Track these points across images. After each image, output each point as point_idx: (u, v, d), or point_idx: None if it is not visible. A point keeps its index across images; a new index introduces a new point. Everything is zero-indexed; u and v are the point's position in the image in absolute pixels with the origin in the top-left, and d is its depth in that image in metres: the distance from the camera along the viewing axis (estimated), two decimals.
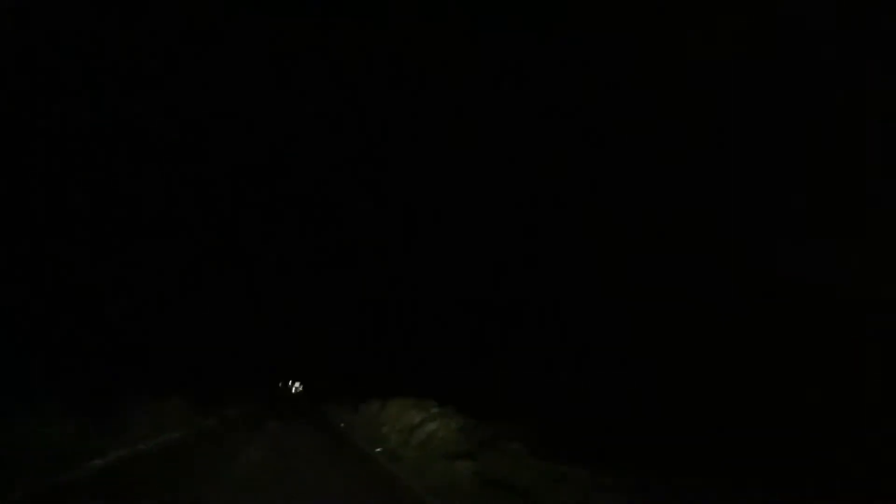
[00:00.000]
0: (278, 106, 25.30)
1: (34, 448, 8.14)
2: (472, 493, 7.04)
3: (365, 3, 15.38)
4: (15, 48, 15.08)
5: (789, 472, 6.29)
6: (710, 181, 10.55)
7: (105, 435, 10.41)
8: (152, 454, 10.17)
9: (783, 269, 9.04)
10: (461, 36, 14.62)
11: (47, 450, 8.16)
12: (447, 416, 11.93)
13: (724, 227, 10.19)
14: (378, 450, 12.16)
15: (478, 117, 17.40)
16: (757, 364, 8.99)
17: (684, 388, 9.61)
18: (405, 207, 24.11)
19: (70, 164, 18.23)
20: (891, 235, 7.62)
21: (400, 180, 23.60)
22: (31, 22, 15.25)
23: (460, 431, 10.71)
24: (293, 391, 67.23)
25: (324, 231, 32.98)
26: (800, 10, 8.59)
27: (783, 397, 8.23)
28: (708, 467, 6.67)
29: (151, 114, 21.64)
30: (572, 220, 14.34)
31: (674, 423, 8.87)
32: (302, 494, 6.79)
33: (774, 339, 8.93)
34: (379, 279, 27.50)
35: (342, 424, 19.38)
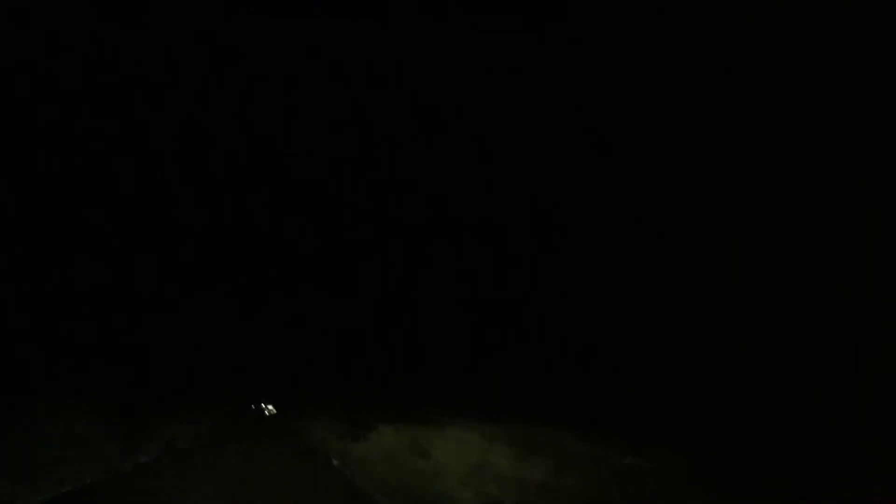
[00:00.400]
0: (277, 105, 25.32)
1: None
2: None
3: (365, 2, 15.39)
4: (15, 49, 15.09)
5: (790, 472, 6.29)
6: (710, 181, 10.55)
7: None
8: None
9: (783, 268, 9.04)
10: (461, 35, 14.63)
11: None
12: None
13: (725, 227, 10.20)
14: None
15: (477, 117, 17.41)
16: (756, 364, 8.99)
17: (684, 388, 9.61)
18: (406, 207, 24.10)
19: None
20: (890, 235, 7.62)
21: (400, 180, 23.61)
22: (30, 22, 15.25)
23: None
24: (266, 410, 56.35)
25: (322, 229, 32.89)
26: (800, 10, 8.60)
27: (783, 397, 8.23)
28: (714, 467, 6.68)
29: (151, 114, 21.63)
30: (572, 220, 14.35)
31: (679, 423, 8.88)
32: None
33: (774, 339, 8.93)
34: (370, 279, 27.15)
35: (335, 462, 13.34)
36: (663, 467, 7.17)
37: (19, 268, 17.95)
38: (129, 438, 14.45)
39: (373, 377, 24.86)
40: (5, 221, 17.54)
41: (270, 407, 54.01)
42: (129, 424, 15.70)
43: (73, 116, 19.09)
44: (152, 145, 23.00)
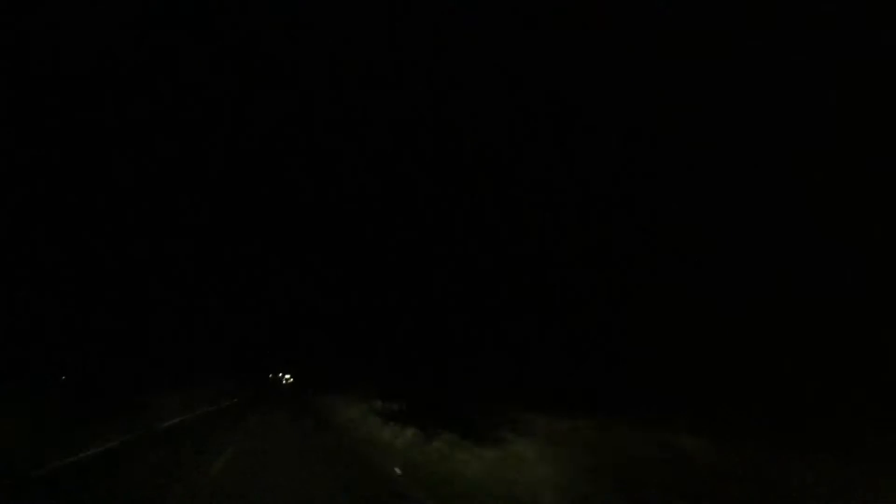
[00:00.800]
0: (276, 108, 25.33)
1: None
2: None
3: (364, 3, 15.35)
4: (16, 49, 15.15)
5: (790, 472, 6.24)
6: (711, 182, 10.48)
7: None
8: None
9: (783, 270, 8.98)
10: (459, 35, 14.58)
11: None
12: None
13: (725, 227, 10.13)
14: None
15: (477, 116, 17.35)
16: (756, 365, 8.94)
17: (683, 387, 9.57)
18: (410, 206, 24.01)
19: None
20: (891, 236, 7.55)
21: (405, 178, 23.54)
22: (30, 22, 15.31)
23: None
24: (284, 381, 45.27)
25: (327, 230, 32.79)
26: (799, 10, 8.51)
27: (783, 397, 8.18)
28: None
29: (157, 118, 21.72)
30: (572, 220, 14.27)
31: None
32: None
33: (775, 339, 8.87)
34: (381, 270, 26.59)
35: (398, 471, 8.14)
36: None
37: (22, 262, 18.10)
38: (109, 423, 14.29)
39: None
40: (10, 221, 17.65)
41: (289, 375, 47.39)
42: (102, 407, 15.58)
43: (80, 120, 19.22)
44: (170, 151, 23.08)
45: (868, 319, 7.99)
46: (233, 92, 23.85)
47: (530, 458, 6.95)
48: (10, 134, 16.49)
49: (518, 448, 7.27)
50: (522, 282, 15.97)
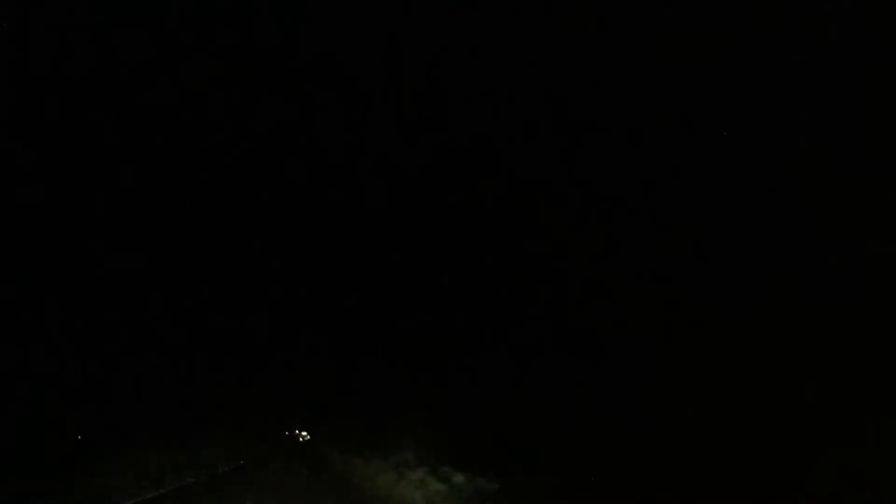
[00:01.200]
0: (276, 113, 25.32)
1: None
2: None
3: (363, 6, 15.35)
4: (16, 49, 15.14)
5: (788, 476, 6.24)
6: (710, 182, 10.48)
7: None
8: None
9: (783, 270, 8.97)
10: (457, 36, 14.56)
11: None
12: None
13: (725, 227, 10.13)
14: None
15: (477, 116, 17.34)
16: (756, 366, 8.93)
17: (685, 390, 9.56)
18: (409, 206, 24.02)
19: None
20: (891, 237, 7.54)
21: (405, 179, 23.54)
22: (30, 22, 15.30)
23: None
24: (301, 439, 43.81)
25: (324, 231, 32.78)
26: (799, 9, 8.50)
27: (783, 400, 8.18)
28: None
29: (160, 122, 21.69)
30: (570, 220, 14.28)
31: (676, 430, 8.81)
32: None
33: (774, 340, 8.87)
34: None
35: None
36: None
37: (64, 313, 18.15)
38: (177, 464, 14.30)
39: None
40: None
41: (304, 433, 45.59)
42: (177, 452, 15.68)
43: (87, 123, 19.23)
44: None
45: (868, 319, 7.98)
46: (233, 92, 23.86)
47: None
48: (10, 134, 16.47)
49: None
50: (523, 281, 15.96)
